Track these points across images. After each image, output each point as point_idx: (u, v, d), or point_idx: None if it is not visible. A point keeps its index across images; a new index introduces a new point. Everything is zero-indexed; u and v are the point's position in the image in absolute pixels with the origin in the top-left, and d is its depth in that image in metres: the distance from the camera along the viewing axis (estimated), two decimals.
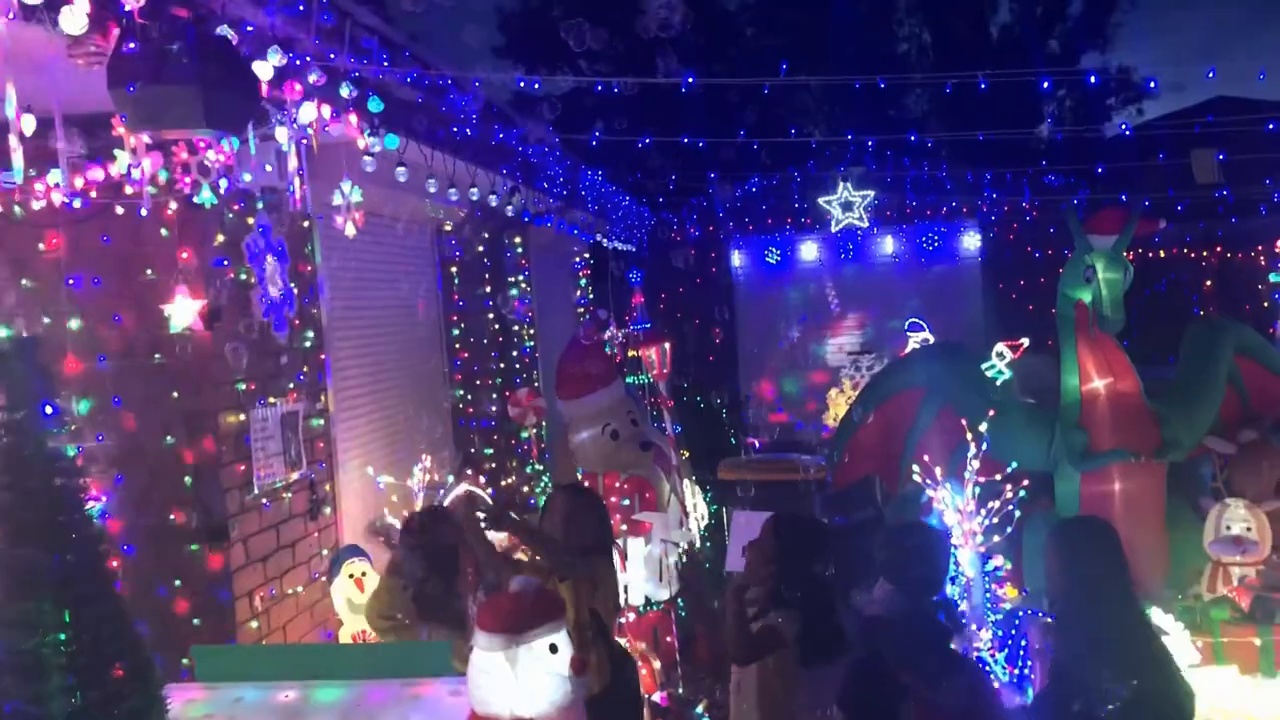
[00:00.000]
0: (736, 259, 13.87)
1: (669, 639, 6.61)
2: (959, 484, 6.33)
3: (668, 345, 7.88)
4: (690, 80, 5.82)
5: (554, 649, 3.12)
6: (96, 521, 2.48)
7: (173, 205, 4.52)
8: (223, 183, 4.05)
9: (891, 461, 6.99)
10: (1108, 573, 4.20)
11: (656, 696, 5.84)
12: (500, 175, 7.14)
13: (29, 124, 3.17)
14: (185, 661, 4.04)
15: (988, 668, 6.28)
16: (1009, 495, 6.19)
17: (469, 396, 8.40)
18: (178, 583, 4.78)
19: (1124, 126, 11.08)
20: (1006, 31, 21.71)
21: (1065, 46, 21.18)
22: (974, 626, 6.39)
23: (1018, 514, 6.45)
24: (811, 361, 13.96)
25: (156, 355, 4.81)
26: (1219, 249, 12.36)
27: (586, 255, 12.28)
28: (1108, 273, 6.84)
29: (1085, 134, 15.49)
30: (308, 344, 5.70)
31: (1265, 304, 11.49)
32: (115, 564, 2.60)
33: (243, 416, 5.05)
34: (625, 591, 6.31)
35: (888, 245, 13.49)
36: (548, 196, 8.56)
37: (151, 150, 3.79)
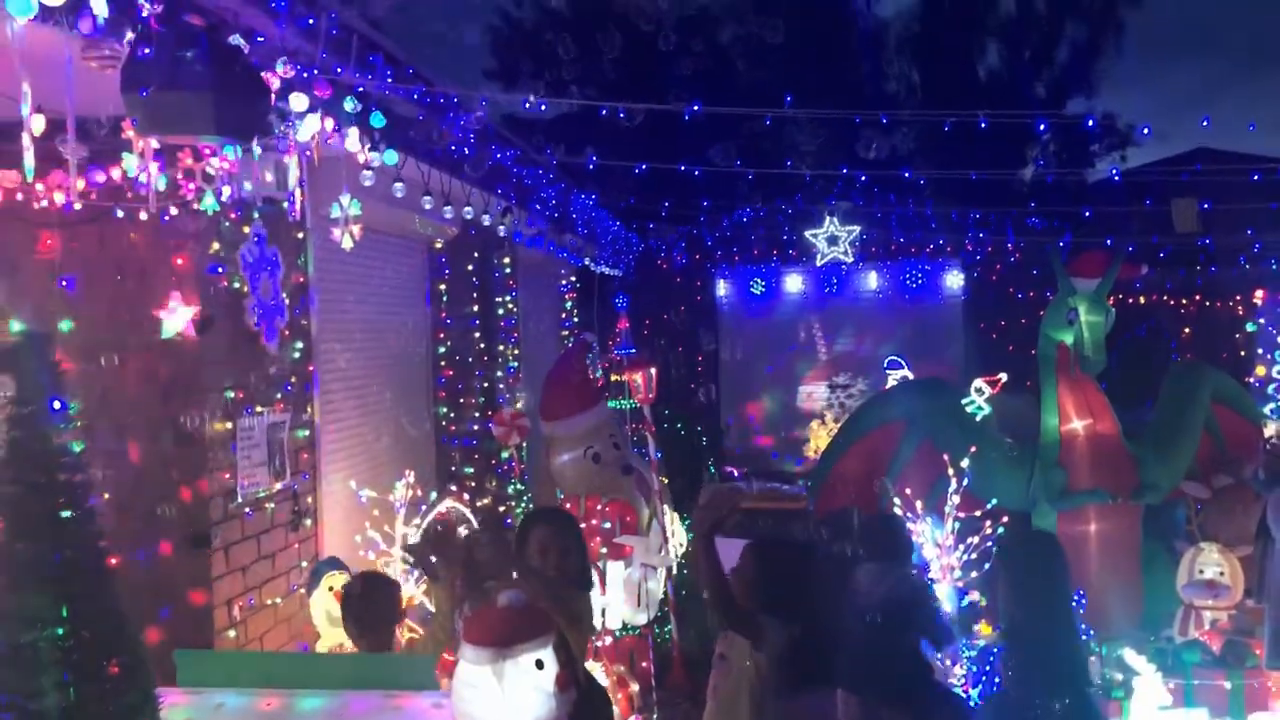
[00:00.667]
0: (722, 288, 13.94)
1: (645, 664, 6.62)
2: (939, 518, 6.38)
3: (654, 370, 7.92)
4: (695, 108, 5.89)
5: (540, 665, 3.13)
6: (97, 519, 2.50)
7: (172, 211, 4.54)
8: (226, 190, 4.08)
9: (871, 493, 7.04)
10: (1052, 586, 4.34)
11: None
12: (494, 195, 7.19)
13: (39, 124, 3.19)
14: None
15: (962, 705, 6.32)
16: (988, 531, 6.24)
17: (452, 414, 8.41)
18: (158, 587, 4.76)
19: (1114, 172, 11.26)
20: (994, 76, 21.99)
21: (1051, 92, 21.45)
22: (948, 661, 6.43)
23: (995, 550, 6.50)
24: (792, 393, 14.03)
25: (146, 360, 4.80)
26: (1198, 297, 12.53)
27: (574, 278, 12.32)
28: (1090, 315, 6.97)
29: (1069, 178, 15.73)
30: (296, 355, 5.71)
31: (1242, 352, 11.65)
32: (114, 562, 2.60)
33: (229, 424, 5.05)
34: (603, 615, 6.32)
35: (872, 280, 13.60)
36: (539, 218, 8.61)
37: (156, 155, 3.81)
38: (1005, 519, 6.47)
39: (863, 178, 11.23)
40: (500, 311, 9.24)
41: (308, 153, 4.25)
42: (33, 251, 4.74)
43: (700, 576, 4.49)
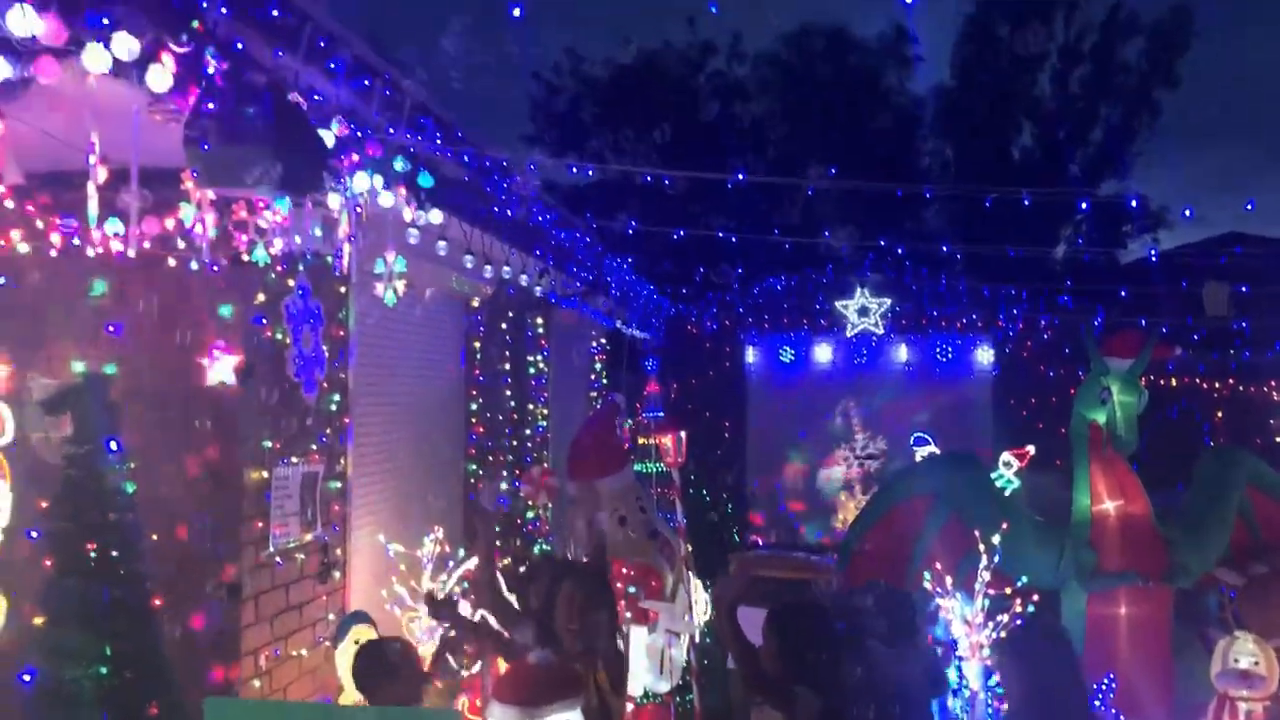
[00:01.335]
0: (751, 355, 13.95)
1: None
2: (968, 595, 6.32)
3: (684, 434, 7.92)
4: (739, 177, 5.99)
5: None
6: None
7: (221, 261, 4.62)
8: (278, 242, 4.17)
9: (898, 567, 6.99)
10: (1061, 682, 4.24)
11: None
12: (532, 256, 7.28)
13: (102, 174, 3.28)
14: None
15: None
16: (1018, 609, 6.17)
17: (481, 471, 8.43)
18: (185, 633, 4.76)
19: (1152, 252, 11.27)
20: (1027, 153, 22.13)
21: (1084, 171, 21.55)
22: None
23: (1004, 639, 6.43)
24: (819, 463, 13.95)
25: (188, 406, 4.86)
26: (1232, 380, 12.44)
27: (604, 340, 12.39)
28: (1123, 395, 6.94)
29: (1102, 257, 15.75)
30: (333, 407, 5.77)
31: (1277, 439, 11.51)
32: (159, 602, 2.62)
33: (265, 473, 5.10)
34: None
35: (902, 353, 13.57)
36: (574, 280, 8.69)
37: (211, 206, 3.91)
38: (1035, 598, 6.39)
39: (899, 250, 11.29)
40: (531, 371, 9.30)
41: (357, 209, 4.34)
42: (84, 296, 4.83)
43: (728, 648, 4.46)
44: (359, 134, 4.11)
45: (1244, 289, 8.73)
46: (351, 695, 5.37)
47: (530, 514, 8.53)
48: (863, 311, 13.30)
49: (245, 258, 4.50)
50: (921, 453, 11.66)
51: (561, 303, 8.99)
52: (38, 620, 2.41)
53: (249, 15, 3.57)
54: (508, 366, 8.68)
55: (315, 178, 3.50)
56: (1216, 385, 12.46)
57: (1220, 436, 11.83)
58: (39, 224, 4.32)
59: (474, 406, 8.41)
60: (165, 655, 2.57)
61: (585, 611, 4.36)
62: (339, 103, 4.04)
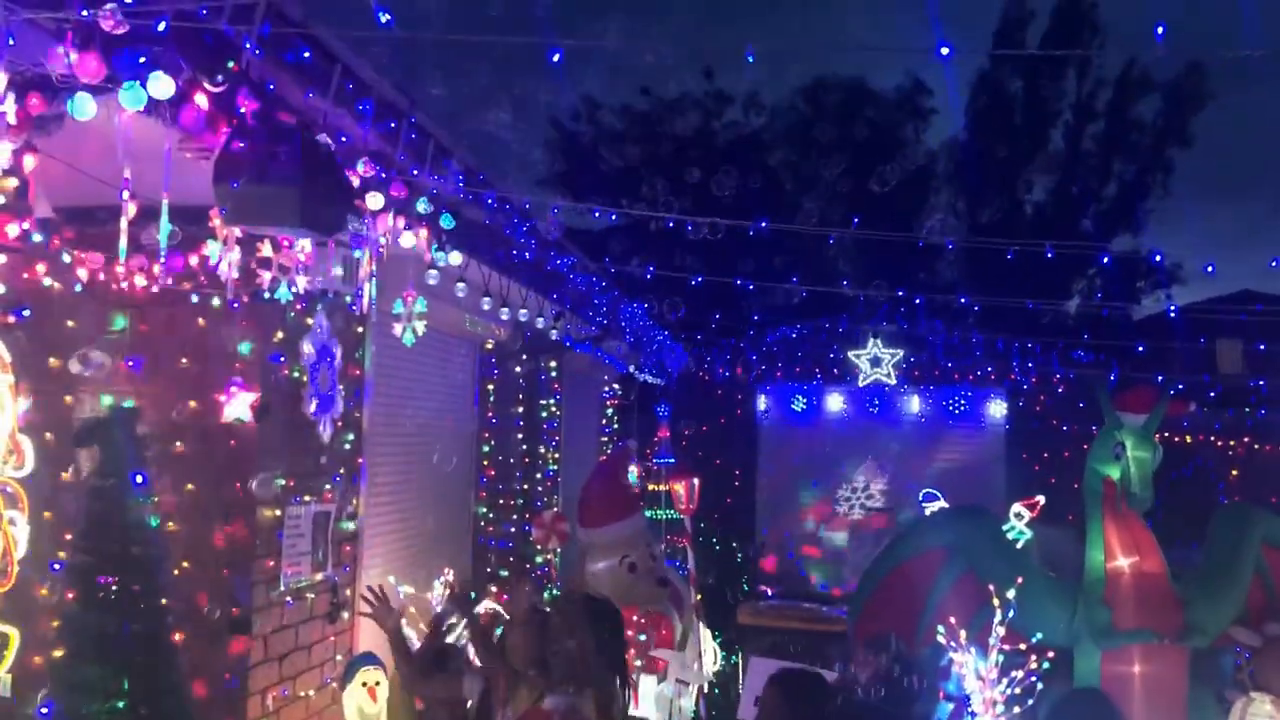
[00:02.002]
0: (763, 403, 13.93)
1: None
2: (982, 650, 6.26)
3: (696, 480, 7.90)
4: (762, 224, 6.02)
5: None
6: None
7: (242, 299, 4.65)
8: (301, 281, 4.20)
9: (910, 620, 6.92)
10: None
11: None
12: (549, 300, 7.31)
13: (131, 209, 3.31)
14: None
15: None
16: (1033, 666, 6.10)
17: (490, 515, 8.41)
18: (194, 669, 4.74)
19: (1172, 308, 11.25)
20: (1039, 208, 22.21)
21: (1098, 226, 21.60)
22: None
23: (1039, 686, 6.35)
24: (829, 513, 13.88)
25: (203, 442, 4.87)
26: (1247, 439, 12.37)
27: (616, 385, 12.40)
28: (1137, 450, 6.90)
29: (1116, 313, 15.74)
30: (347, 446, 5.77)
31: None
32: (179, 639, 2.61)
33: (278, 512, 5.09)
34: None
35: (914, 404, 13.52)
36: (589, 324, 8.72)
37: (237, 244, 3.94)
38: (1050, 654, 6.33)
39: (915, 300, 11.30)
40: (544, 414, 9.30)
41: (380, 249, 4.37)
42: (104, 331, 4.86)
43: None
44: (383, 175, 4.15)
45: (1260, 346, 8.69)
46: None
47: (539, 559, 8.50)
48: (875, 362, 13.29)
49: (268, 295, 4.53)
50: (930, 508, 11.58)
51: (576, 346, 9.01)
52: (57, 653, 2.40)
53: (281, 57, 3.62)
54: (520, 409, 8.69)
55: (340, 218, 3.53)
56: (1231, 443, 12.39)
57: (1235, 494, 11.72)
58: (65, 258, 4.35)
59: (486, 448, 8.41)
60: (182, 690, 2.55)
61: (599, 644, 4.30)
62: (365, 144, 4.08)
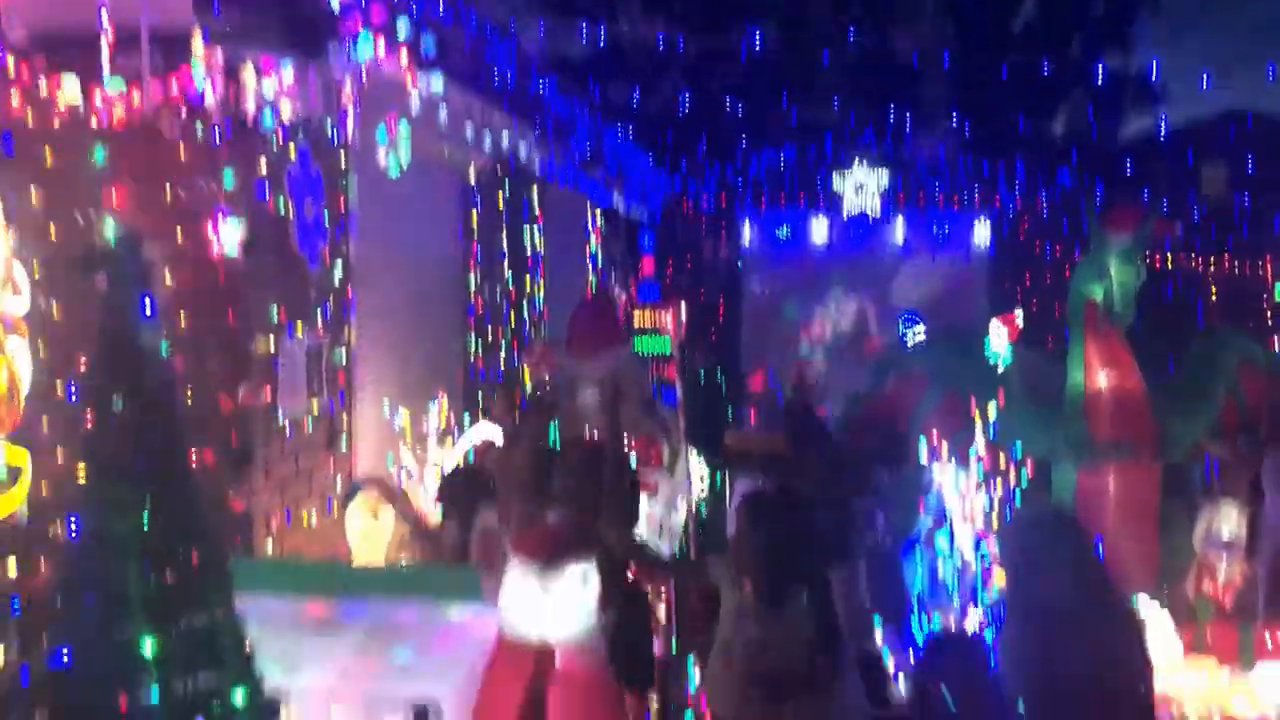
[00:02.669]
0: (747, 233, 13.89)
1: (665, 594, 6.72)
2: (963, 466, 6.46)
3: (684, 310, 7.96)
4: (758, 37, 5.86)
5: (585, 580, 3.24)
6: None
7: (224, 129, 4.57)
8: (285, 107, 4.11)
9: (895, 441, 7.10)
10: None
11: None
12: (532, 128, 7.20)
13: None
14: None
15: (979, 648, 6.43)
16: (1012, 481, 6.32)
17: (480, 347, 8.48)
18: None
19: (1162, 120, 11.16)
20: (1028, 28, 21.68)
21: (1086, 49, 21.15)
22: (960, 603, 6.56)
23: (1018, 501, 6.58)
24: (812, 343, 14.04)
25: (193, 276, 4.86)
26: (1227, 260, 12.49)
27: (600, 216, 12.32)
28: (1122, 270, 6.97)
29: (1102, 135, 15.60)
30: (337, 277, 5.77)
31: (1268, 317, 11.62)
32: (195, 458, 2.68)
33: (272, 344, 5.13)
34: None
35: (898, 231, 13.53)
36: (573, 153, 8.61)
37: (220, 70, 3.85)
38: (1030, 469, 6.54)
39: (906, 117, 11.15)
40: (528, 246, 9.28)
41: (363, 74, 4.28)
42: (84, 165, 4.77)
43: None
44: None
45: (1248, 166, 8.68)
46: (360, 560, 5.51)
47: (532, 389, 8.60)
48: (860, 187, 13.24)
49: (248, 125, 4.44)
50: (912, 331, 11.73)
51: (559, 178, 8.92)
52: (80, 476, 2.48)
53: None
54: (505, 242, 8.65)
55: (325, 36, 3.45)
56: (1212, 263, 12.51)
57: (1213, 314, 11.90)
58: (41, 86, 4.23)
59: (473, 281, 8.41)
60: (203, 508, 2.64)
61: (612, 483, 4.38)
62: None
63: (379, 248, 6.67)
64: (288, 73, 4.07)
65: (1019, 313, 8.21)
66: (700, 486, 7.87)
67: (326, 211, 5.53)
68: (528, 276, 9.28)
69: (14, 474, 4.18)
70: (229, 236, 4.73)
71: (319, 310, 5.61)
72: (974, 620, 6.43)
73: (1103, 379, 7.10)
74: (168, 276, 4.80)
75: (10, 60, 3.87)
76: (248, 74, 4.09)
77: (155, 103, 4.32)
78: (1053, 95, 18.22)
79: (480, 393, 8.45)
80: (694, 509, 7.72)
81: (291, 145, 5.12)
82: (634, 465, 6.85)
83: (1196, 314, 11.83)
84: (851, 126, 12.76)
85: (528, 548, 3.23)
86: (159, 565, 2.44)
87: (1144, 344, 7.38)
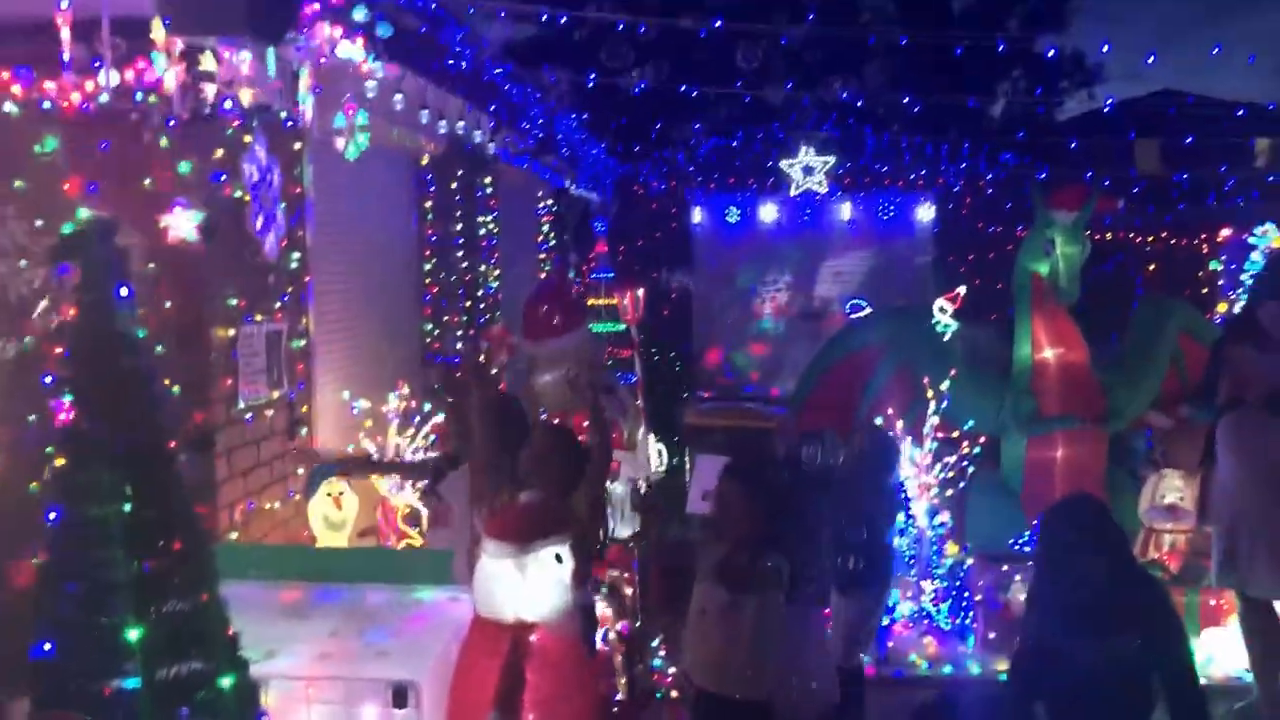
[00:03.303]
0: (697, 215, 13.98)
1: (628, 574, 6.80)
2: (916, 439, 6.60)
3: (640, 291, 8.03)
4: (717, 24, 5.89)
5: (559, 559, 3.29)
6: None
7: (183, 116, 4.53)
8: (245, 95, 4.10)
9: (847, 414, 7.24)
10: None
11: (619, 626, 6.03)
12: (485, 113, 7.19)
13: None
14: None
15: (932, 618, 6.61)
16: (965, 452, 6.47)
17: (436, 332, 8.48)
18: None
19: (1108, 101, 11.37)
20: (967, 9, 21.93)
21: (1023, 27, 21.45)
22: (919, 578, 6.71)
23: (970, 471, 6.75)
24: (762, 322, 14.17)
25: (151, 265, 4.83)
26: (1165, 234, 12.79)
27: (552, 201, 12.33)
28: (1067, 247, 7.16)
29: (1041, 113, 15.85)
30: (294, 265, 5.76)
31: (1204, 290, 11.93)
32: (175, 445, 2.68)
33: (231, 331, 5.12)
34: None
35: (845, 212, 13.68)
36: (526, 137, 8.61)
37: (180, 58, 3.83)
38: (982, 440, 6.70)
39: (849, 100, 11.25)
40: (481, 231, 9.26)
41: (321, 60, 4.27)
42: (39, 154, 4.71)
43: None
44: None
45: (1188, 141, 8.90)
46: (324, 544, 5.53)
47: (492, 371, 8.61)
48: (807, 170, 13.36)
49: (205, 112, 4.42)
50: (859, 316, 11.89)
51: (512, 161, 8.92)
52: (60, 461, 2.47)
53: None
54: (459, 226, 8.64)
55: (287, 23, 3.45)
56: (1150, 238, 12.81)
57: (1152, 287, 12.20)
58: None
59: (427, 266, 8.40)
60: (186, 495, 2.65)
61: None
62: None
63: (334, 235, 6.65)
64: (246, 57, 4.05)
65: (962, 289, 8.38)
66: (659, 464, 7.96)
67: (283, 199, 5.51)
68: (481, 262, 9.27)
69: None
70: (186, 224, 4.70)
71: (279, 298, 5.59)
72: (929, 590, 6.59)
73: (1049, 351, 7.29)
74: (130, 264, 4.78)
75: None
76: (206, 61, 4.07)
77: (115, 90, 4.28)
78: (991, 75, 18.50)
79: (431, 375, 8.44)
80: (653, 485, 7.82)
81: (247, 134, 5.10)
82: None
83: (1136, 287, 12.11)
84: (804, 105, 12.84)
85: (498, 529, 3.28)
86: (141, 552, 2.46)
87: (1087, 317, 7.58)
